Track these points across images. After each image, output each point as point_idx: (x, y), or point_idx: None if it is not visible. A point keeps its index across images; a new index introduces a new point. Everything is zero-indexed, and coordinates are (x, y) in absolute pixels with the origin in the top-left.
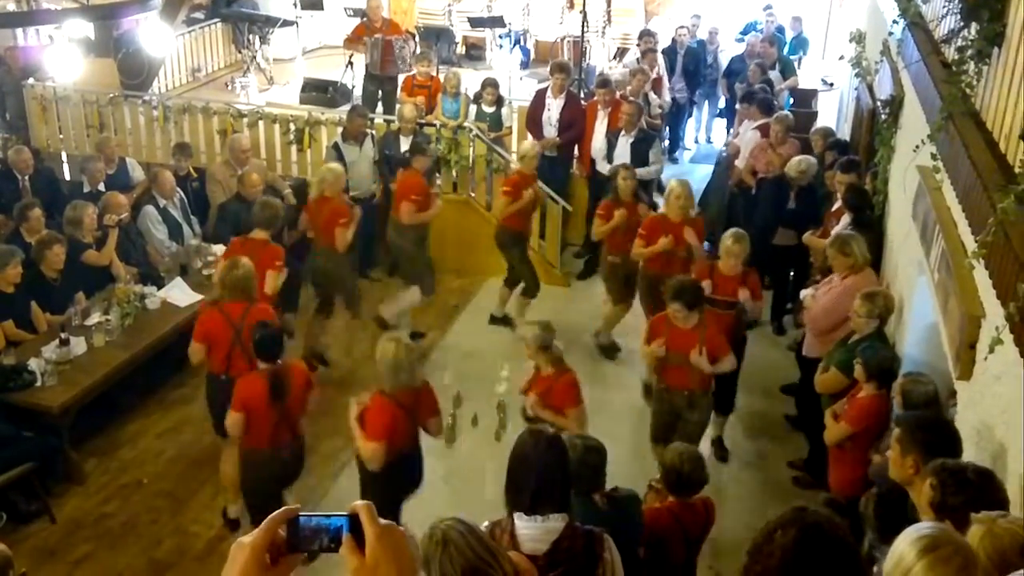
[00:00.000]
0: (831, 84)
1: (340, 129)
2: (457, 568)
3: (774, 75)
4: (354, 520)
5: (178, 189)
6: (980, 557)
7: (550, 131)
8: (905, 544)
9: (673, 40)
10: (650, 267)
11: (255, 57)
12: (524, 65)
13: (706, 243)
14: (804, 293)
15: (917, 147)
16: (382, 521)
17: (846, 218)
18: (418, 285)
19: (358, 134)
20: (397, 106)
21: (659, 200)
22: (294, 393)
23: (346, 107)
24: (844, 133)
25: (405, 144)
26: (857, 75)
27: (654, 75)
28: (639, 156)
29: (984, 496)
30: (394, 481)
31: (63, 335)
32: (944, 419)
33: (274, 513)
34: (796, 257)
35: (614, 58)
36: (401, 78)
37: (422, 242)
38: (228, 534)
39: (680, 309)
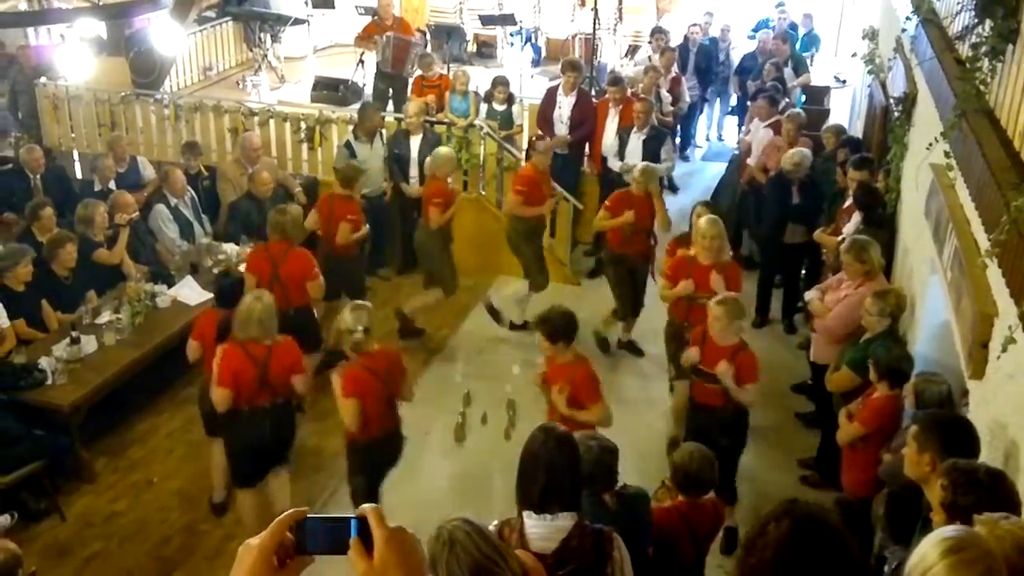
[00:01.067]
0: (844, 81)
1: (351, 126)
2: (464, 568)
3: (787, 72)
4: (362, 522)
5: (189, 188)
6: None
7: (561, 129)
8: (929, 545)
9: (685, 38)
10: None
11: (266, 55)
12: (535, 63)
13: None
14: (809, 295)
15: (930, 145)
16: (391, 524)
17: (857, 216)
18: (441, 287)
19: (371, 132)
20: (405, 104)
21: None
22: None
23: (356, 105)
24: (857, 130)
25: (414, 143)
26: (870, 72)
27: (672, 74)
28: (650, 153)
29: (995, 497)
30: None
31: (74, 334)
32: (962, 417)
33: (282, 515)
34: (804, 254)
35: (625, 56)
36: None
37: (447, 245)
38: (238, 533)
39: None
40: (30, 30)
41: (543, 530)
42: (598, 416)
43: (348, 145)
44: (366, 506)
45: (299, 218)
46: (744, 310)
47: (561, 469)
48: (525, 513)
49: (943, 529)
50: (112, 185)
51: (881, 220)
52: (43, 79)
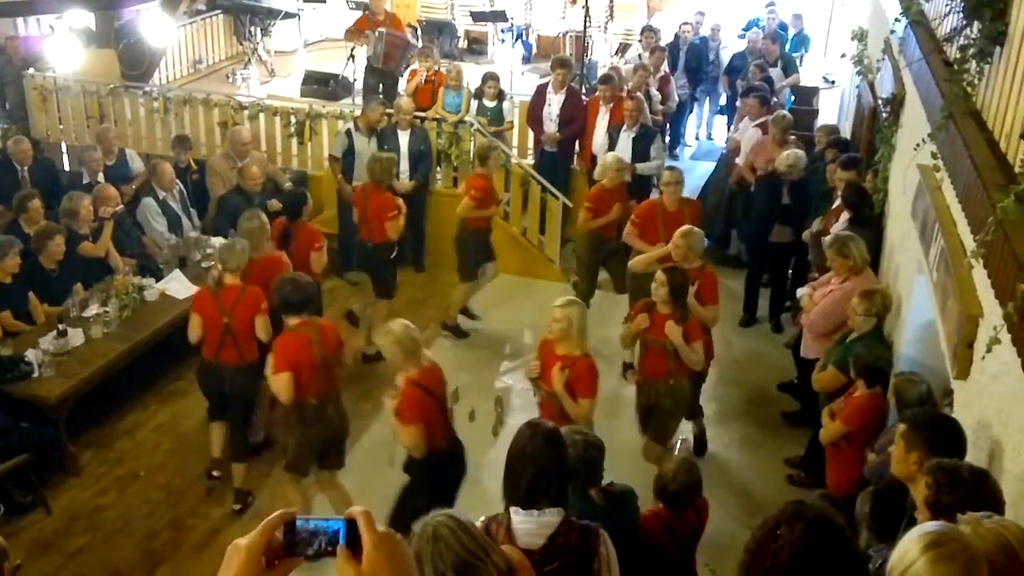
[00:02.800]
0: (832, 82)
1: (341, 121)
2: (448, 564)
3: (776, 72)
4: (351, 525)
5: (177, 181)
6: None
7: (550, 126)
8: (910, 540)
9: (676, 36)
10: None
11: (256, 49)
12: (526, 60)
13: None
14: (800, 292)
15: (918, 146)
16: (380, 528)
17: (845, 215)
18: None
19: (371, 126)
20: (396, 100)
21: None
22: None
23: (347, 100)
24: (845, 131)
25: (403, 138)
26: (858, 73)
27: (661, 73)
28: (640, 152)
29: (978, 496)
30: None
31: (61, 326)
32: (950, 417)
33: (271, 516)
34: (792, 254)
35: (616, 54)
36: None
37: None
38: (224, 526)
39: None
40: (19, 20)
41: (530, 526)
42: (583, 412)
43: (348, 133)
44: (355, 509)
45: (265, 225)
46: (702, 237)
47: (548, 465)
48: (512, 509)
49: (924, 525)
50: (100, 178)
51: (868, 220)
52: (31, 70)
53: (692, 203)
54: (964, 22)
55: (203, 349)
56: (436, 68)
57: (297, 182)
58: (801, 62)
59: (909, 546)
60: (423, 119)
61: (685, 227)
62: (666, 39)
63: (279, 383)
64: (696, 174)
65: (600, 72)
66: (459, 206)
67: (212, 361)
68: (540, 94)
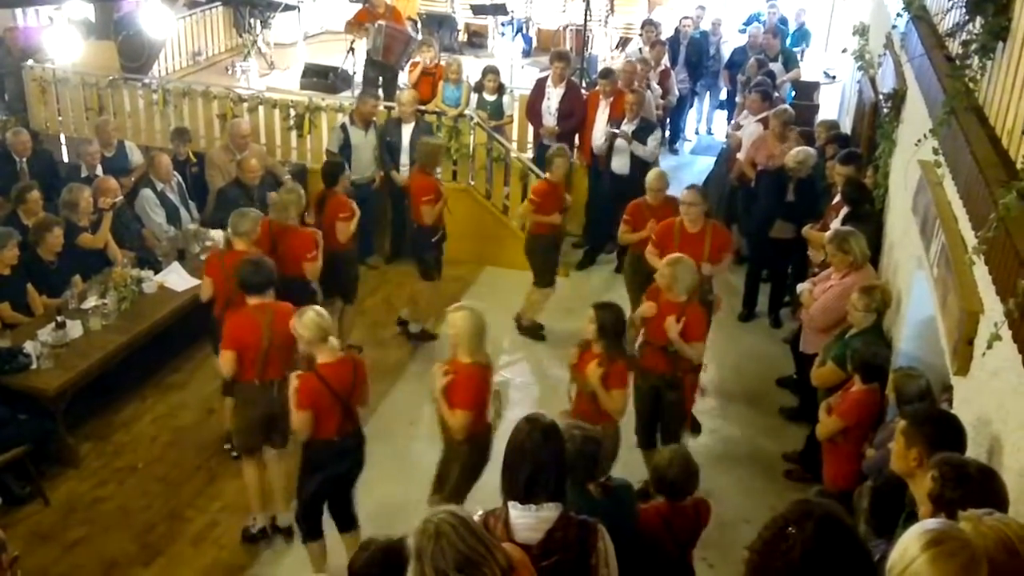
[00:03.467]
0: (833, 77)
1: (340, 114)
2: (449, 560)
3: (777, 67)
4: None
5: (175, 173)
6: None
7: (549, 120)
8: (911, 538)
9: (676, 30)
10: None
11: (256, 41)
12: (526, 53)
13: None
14: (801, 287)
15: (919, 141)
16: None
17: (844, 211)
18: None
19: (366, 118)
20: (399, 93)
21: None
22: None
23: (347, 93)
24: (846, 126)
25: (406, 131)
26: (860, 68)
27: (661, 67)
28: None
29: (984, 494)
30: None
31: (59, 318)
32: (950, 413)
33: None
34: (794, 250)
35: (616, 48)
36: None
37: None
38: (222, 519)
39: None
40: (18, 12)
41: (528, 521)
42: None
43: (344, 128)
44: None
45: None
46: (694, 272)
47: (546, 460)
48: (510, 503)
49: (924, 522)
50: (99, 171)
51: (867, 215)
52: (31, 62)
53: (718, 228)
54: (966, 17)
55: (213, 309)
56: (437, 61)
57: (296, 175)
58: (802, 57)
59: (909, 543)
60: (424, 112)
61: (674, 255)
62: (666, 33)
63: (222, 359)
64: (696, 169)
65: (600, 66)
66: (520, 209)
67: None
68: (540, 88)
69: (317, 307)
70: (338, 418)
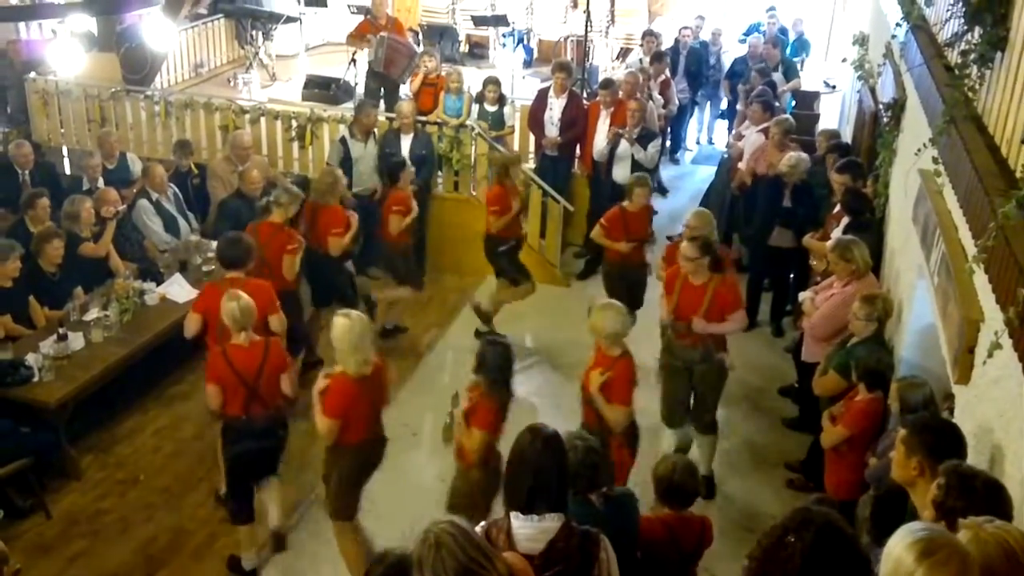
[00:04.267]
0: (833, 86)
1: (342, 125)
2: (449, 571)
3: (777, 77)
4: None
5: (171, 185)
6: None
7: (551, 130)
8: (901, 548)
9: (676, 41)
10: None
11: (258, 53)
12: (527, 64)
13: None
14: (803, 296)
15: (919, 151)
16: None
17: (844, 220)
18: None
19: (367, 130)
20: (397, 103)
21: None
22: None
23: (348, 104)
24: (846, 136)
25: (405, 142)
26: (859, 78)
27: (662, 77)
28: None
29: (987, 507)
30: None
31: (61, 330)
32: (950, 422)
33: None
34: (794, 259)
35: (617, 58)
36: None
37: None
38: (223, 532)
39: None
40: (20, 24)
41: (530, 531)
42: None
43: (343, 141)
44: None
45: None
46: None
47: (548, 470)
48: (512, 513)
49: (908, 527)
50: (101, 183)
51: (868, 224)
52: (33, 74)
53: (726, 286)
54: (965, 27)
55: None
56: (438, 72)
57: (297, 187)
58: (801, 66)
59: (902, 554)
60: (425, 123)
61: (603, 301)
62: (666, 43)
63: (188, 321)
64: (697, 178)
65: (601, 76)
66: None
67: None
68: (541, 98)
69: (245, 297)
70: (242, 399)
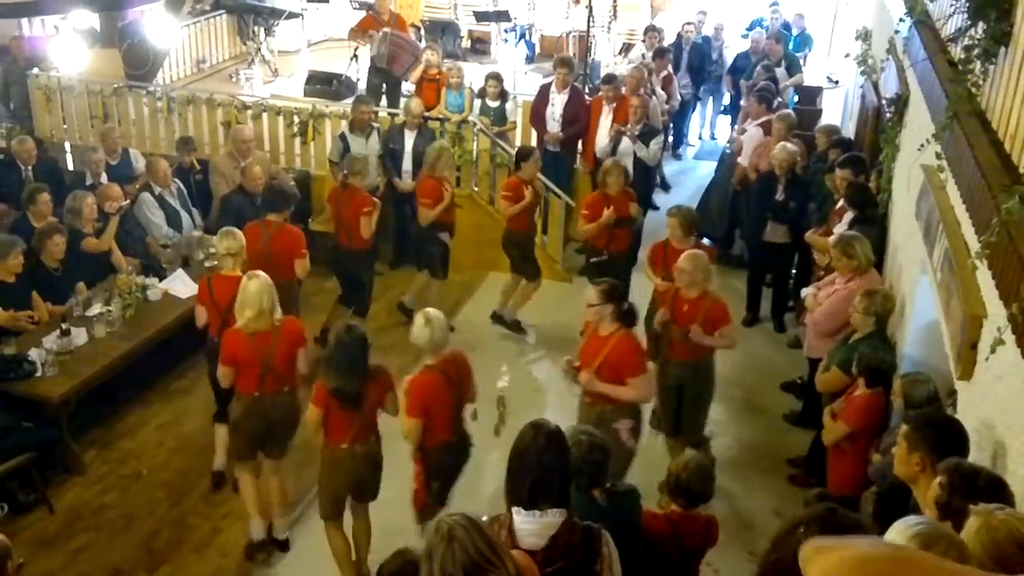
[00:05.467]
0: (836, 82)
1: (344, 121)
2: (458, 564)
3: (779, 72)
4: None
5: (175, 180)
6: (976, 549)
7: (553, 126)
8: (899, 541)
9: (678, 36)
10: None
11: (260, 49)
12: (529, 60)
13: (705, 238)
14: (805, 292)
15: (922, 146)
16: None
17: (849, 215)
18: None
19: (364, 125)
20: (402, 100)
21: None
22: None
23: (350, 100)
24: (849, 131)
25: (409, 138)
26: (863, 73)
27: (664, 72)
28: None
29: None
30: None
31: (64, 325)
32: (953, 418)
33: None
34: (789, 254)
35: (619, 53)
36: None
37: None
38: (225, 526)
39: None
40: (23, 20)
41: (532, 526)
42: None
43: (343, 137)
44: None
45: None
46: (709, 267)
47: (551, 465)
48: (514, 509)
49: (904, 521)
50: (104, 178)
51: (873, 219)
52: (36, 70)
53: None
54: (969, 22)
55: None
56: (440, 67)
57: (299, 182)
58: (805, 62)
59: None
60: (427, 119)
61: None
62: (669, 39)
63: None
64: (699, 173)
65: (603, 72)
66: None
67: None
68: (543, 94)
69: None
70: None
